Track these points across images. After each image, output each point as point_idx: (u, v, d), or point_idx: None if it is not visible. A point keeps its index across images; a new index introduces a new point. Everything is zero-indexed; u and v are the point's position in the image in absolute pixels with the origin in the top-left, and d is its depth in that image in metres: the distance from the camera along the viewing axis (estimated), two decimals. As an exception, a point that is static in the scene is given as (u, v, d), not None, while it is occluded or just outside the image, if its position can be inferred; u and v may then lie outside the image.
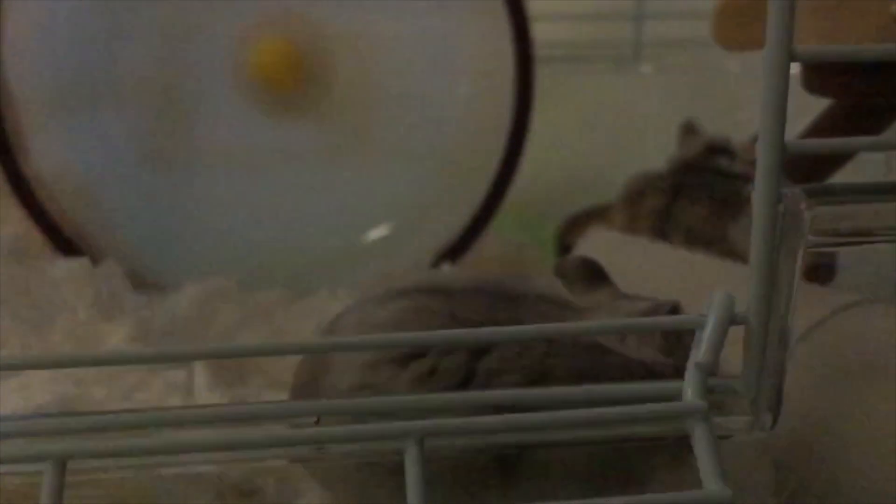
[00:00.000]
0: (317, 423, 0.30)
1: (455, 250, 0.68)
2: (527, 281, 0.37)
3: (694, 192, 0.67)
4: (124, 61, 0.67)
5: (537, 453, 0.32)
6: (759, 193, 0.28)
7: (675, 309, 0.36)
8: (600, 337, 0.34)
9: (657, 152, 0.72)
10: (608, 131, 0.84)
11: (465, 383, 0.32)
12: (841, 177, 0.44)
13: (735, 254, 0.61)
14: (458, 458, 0.31)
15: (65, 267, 0.58)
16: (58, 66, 0.66)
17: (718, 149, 0.70)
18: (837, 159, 0.39)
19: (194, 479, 0.36)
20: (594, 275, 0.39)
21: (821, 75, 0.37)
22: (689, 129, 0.73)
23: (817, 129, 0.38)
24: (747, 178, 0.63)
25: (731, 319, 0.29)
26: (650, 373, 0.33)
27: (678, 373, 0.29)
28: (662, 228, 0.66)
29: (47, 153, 0.66)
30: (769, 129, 0.27)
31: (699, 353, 0.29)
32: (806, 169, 0.37)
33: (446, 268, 0.66)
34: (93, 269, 0.60)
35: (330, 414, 0.30)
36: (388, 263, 0.68)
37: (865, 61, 0.32)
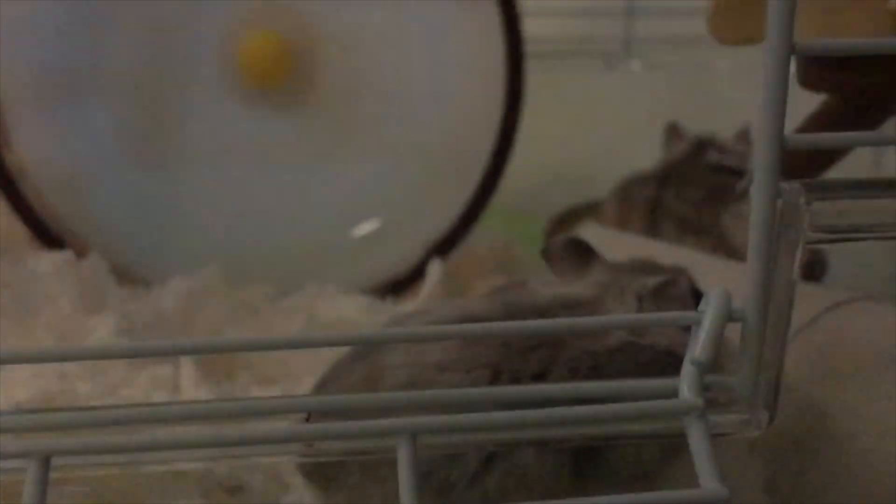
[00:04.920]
0: (307, 420, 0.30)
1: (444, 246, 0.67)
2: (543, 289, 0.37)
3: (685, 182, 0.67)
4: (110, 54, 0.66)
5: (609, 451, 0.32)
6: (758, 188, 0.27)
7: (688, 279, 0.36)
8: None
9: (646, 149, 0.72)
10: (598, 128, 0.84)
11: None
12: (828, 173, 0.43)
13: (727, 244, 0.61)
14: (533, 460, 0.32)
15: (49, 260, 0.57)
16: (43, 58, 0.65)
17: (706, 144, 0.70)
18: (832, 155, 0.38)
19: (180, 475, 0.35)
20: (582, 253, 0.39)
21: (817, 70, 0.36)
22: (673, 131, 0.73)
23: (813, 125, 0.38)
24: (738, 172, 0.63)
25: (728, 316, 0.29)
26: (673, 356, 0.33)
27: None
28: (654, 219, 0.66)
29: (31, 145, 0.65)
30: (769, 124, 0.27)
31: (695, 350, 0.28)
32: (800, 165, 0.37)
33: (436, 264, 0.65)
34: (77, 262, 0.59)
35: (319, 411, 0.29)
36: (376, 259, 0.67)
37: (862, 56, 0.32)
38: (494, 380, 0.32)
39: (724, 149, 0.69)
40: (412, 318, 0.37)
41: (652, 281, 0.37)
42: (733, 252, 0.59)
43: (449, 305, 0.39)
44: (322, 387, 0.36)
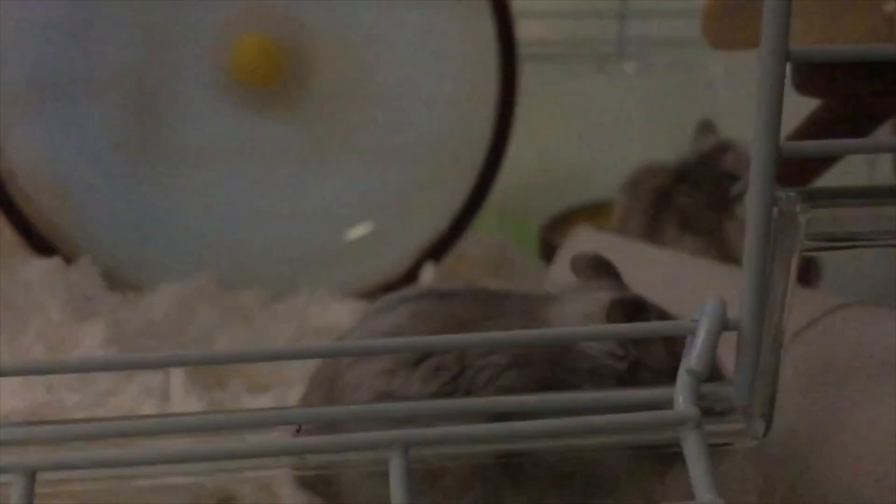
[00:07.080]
0: (298, 432, 0.29)
1: (437, 250, 0.67)
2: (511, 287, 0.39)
3: (697, 179, 0.66)
4: (102, 56, 0.66)
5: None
6: (753, 196, 0.27)
7: (636, 305, 0.35)
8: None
9: (641, 151, 0.72)
10: (592, 130, 0.83)
11: (460, 374, 0.34)
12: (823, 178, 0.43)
13: (727, 248, 0.61)
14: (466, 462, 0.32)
15: (38, 267, 0.57)
16: (34, 60, 0.65)
17: (727, 147, 0.69)
18: (826, 160, 0.38)
19: (169, 487, 0.35)
20: (602, 271, 0.39)
21: (810, 75, 0.36)
22: (705, 128, 0.72)
23: (806, 131, 0.38)
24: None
25: (724, 325, 0.29)
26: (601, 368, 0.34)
27: (631, 368, 0.32)
28: (658, 211, 0.65)
29: (22, 149, 0.64)
30: (764, 131, 0.27)
31: (691, 359, 0.28)
32: (793, 170, 0.37)
33: (429, 268, 0.65)
34: (66, 269, 0.58)
35: (312, 422, 0.29)
36: (369, 263, 0.67)
37: (858, 62, 0.32)
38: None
39: (742, 155, 0.68)
40: (382, 302, 0.38)
41: (602, 295, 0.36)
42: (731, 257, 0.59)
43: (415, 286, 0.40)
44: (312, 379, 0.36)
